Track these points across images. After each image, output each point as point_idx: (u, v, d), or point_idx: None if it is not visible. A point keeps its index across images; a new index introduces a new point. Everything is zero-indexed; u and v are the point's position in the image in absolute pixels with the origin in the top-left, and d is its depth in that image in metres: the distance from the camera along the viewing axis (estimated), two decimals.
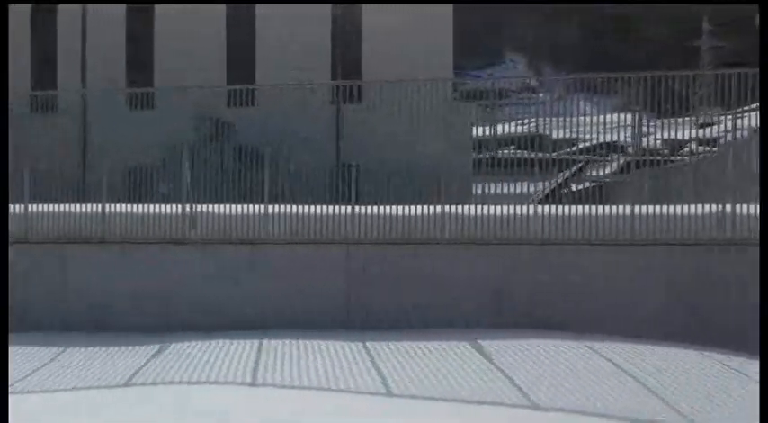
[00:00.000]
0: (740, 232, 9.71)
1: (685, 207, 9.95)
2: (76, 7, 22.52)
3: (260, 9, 22.87)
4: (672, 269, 9.84)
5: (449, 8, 29.79)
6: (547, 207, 10.10)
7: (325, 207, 10.43)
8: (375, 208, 10.31)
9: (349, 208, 10.37)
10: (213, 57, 22.09)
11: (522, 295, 9.92)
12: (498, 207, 10.10)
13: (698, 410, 6.65)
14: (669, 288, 9.80)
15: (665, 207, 9.98)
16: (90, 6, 22.63)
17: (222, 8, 22.89)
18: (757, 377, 7.38)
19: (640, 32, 52.25)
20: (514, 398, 6.92)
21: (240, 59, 22.29)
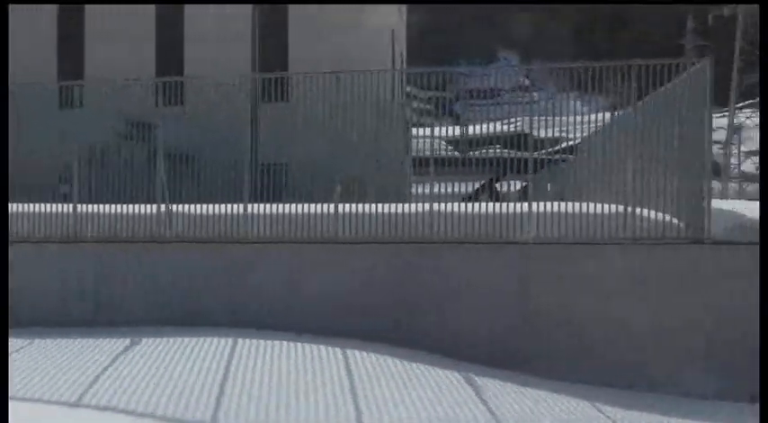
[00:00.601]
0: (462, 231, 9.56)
1: (399, 206, 9.76)
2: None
3: (189, 9, 23.10)
4: (380, 268, 9.63)
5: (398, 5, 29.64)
6: (259, 206, 10.00)
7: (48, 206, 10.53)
8: (100, 207, 10.34)
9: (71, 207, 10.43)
10: (143, 58, 22.28)
11: (209, 294, 9.88)
12: (195, 206, 10.16)
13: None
14: (374, 287, 9.58)
15: (375, 206, 9.79)
16: (20, 6, 23.01)
17: (152, 8, 23.17)
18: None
19: (631, 32, 51.17)
20: (65, 392, 6.99)
21: (170, 60, 22.42)
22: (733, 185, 39.93)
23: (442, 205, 9.70)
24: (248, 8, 22.40)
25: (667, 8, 45.31)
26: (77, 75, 21.67)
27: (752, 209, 9.56)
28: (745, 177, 41.72)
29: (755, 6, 45.02)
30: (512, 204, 9.56)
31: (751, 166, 43.05)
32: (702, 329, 8.95)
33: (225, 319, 9.61)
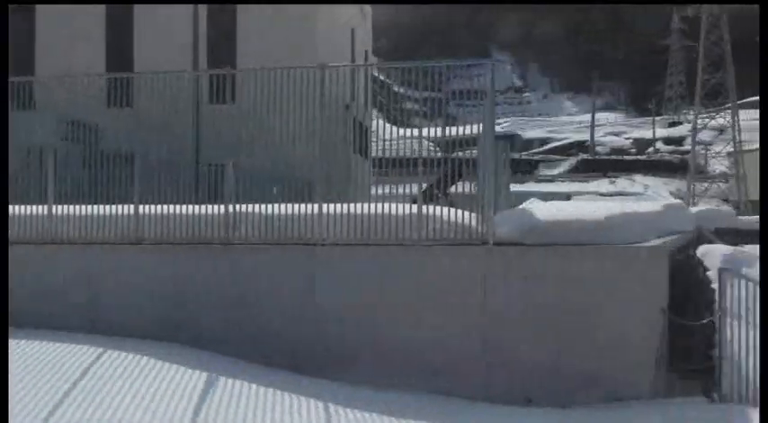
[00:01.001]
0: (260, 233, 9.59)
1: (197, 208, 9.84)
2: None
3: (138, 9, 23.33)
4: (175, 269, 9.73)
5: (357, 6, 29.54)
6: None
7: None
8: None
9: None
10: (93, 58, 22.50)
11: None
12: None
13: None
14: (167, 288, 9.68)
15: (175, 208, 9.88)
16: None
17: (102, 8, 23.44)
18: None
19: (622, 32, 50.75)
20: None
21: (119, 60, 22.57)
22: (699, 186, 39.42)
23: (240, 207, 9.73)
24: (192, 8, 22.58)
25: (653, 9, 44.82)
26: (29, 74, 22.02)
27: (545, 211, 9.48)
28: (712, 177, 41.19)
29: (717, 7, 44.29)
30: (303, 206, 9.56)
31: (720, 165, 42.57)
32: (478, 329, 8.90)
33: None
